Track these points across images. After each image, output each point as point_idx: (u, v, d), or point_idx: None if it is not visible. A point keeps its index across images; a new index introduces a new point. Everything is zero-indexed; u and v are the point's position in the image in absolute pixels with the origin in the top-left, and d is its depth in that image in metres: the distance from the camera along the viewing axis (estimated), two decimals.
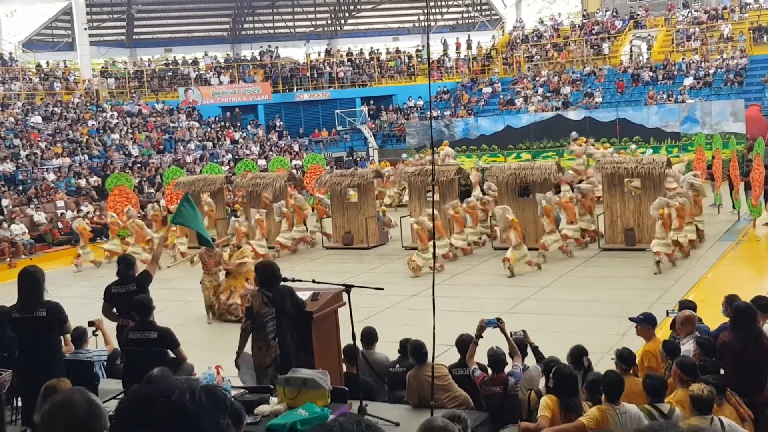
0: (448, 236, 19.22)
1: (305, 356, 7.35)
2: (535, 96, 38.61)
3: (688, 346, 7.68)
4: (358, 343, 8.36)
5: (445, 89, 43.16)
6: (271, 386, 6.91)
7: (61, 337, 8.05)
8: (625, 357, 7.60)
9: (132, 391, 2.15)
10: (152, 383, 2.07)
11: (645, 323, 8.69)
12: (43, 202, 27.45)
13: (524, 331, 8.60)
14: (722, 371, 7.20)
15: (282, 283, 7.56)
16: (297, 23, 54.25)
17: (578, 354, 7.74)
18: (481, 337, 8.04)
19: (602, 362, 9.32)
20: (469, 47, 48.12)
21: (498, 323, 7.93)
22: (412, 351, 7.90)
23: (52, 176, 29.53)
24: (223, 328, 14.16)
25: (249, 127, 41.75)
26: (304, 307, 7.49)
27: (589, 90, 37.74)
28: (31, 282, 7.58)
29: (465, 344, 8.15)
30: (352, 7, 54.14)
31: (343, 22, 54.74)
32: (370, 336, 9.10)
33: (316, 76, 45.16)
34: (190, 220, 9.76)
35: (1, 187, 27.45)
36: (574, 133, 29.87)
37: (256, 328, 7.58)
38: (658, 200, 17.17)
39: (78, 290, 18.54)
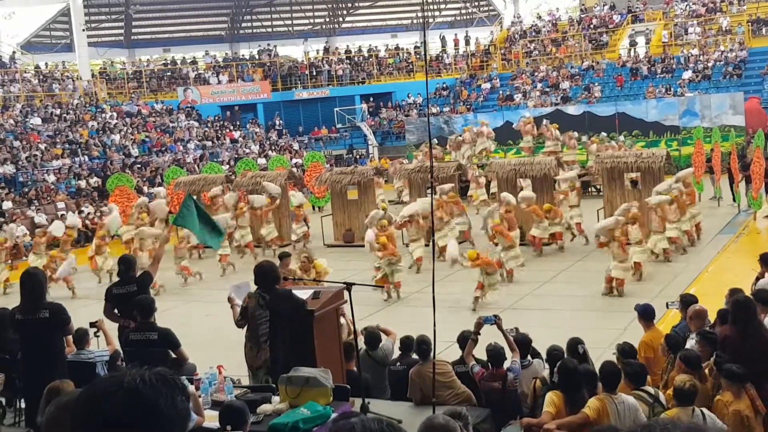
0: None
1: (304, 356, 7.33)
2: (534, 91, 38.59)
3: (692, 341, 7.71)
4: (362, 345, 8.39)
5: (444, 85, 43.15)
6: (273, 385, 6.93)
7: (64, 338, 8.06)
8: (626, 351, 7.65)
9: (83, 389, 2.16)
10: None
11: (641, 315, 8.81)
12: (43, 203, 27.46)
13: (516, 329, 8.65)
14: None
15: (281, 286, 7.57)
16: (295, 21, 54.21)
17: (573, 345, 7.80)
18: (479, 334, 8.09)
19: (604, 357, 9.34)
20: (467, 43, 48.10)
21: (495, 320, 7.98)
22: (417, 345, 7.94)
23: (52, 178, 29.54)
24: (225, 325, 14.11)
25: (248, 126, 41.76)
26: (305, 306, 7.49)
27: (588, 85, 37.72)
28: (33, 284, 7.60)
29: (466, 341, 8.19)
30: (349, 5, 54.08)
31: (341, 19, 54.70)
32: (372, 338, 9.12)
33: (314, 74, 45.15)
34: (189, 222, 9.78)
35: (2, 189, 27.47)
36: (526, 115, 30.05)
37: (250, 328, 7.60)
38: (611, 220, 15.60)
39: (78, 291, 18.57)
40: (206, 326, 14.42)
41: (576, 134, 28.91)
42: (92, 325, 9.07)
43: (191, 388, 6.55)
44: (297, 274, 12.75)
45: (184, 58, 48.17)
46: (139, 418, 2.03)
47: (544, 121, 29.83)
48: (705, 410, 6.17)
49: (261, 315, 7.48)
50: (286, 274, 12.37)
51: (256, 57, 47.20)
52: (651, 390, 6.69)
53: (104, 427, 2.03)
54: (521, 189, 20.23)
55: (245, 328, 7.85)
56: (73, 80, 40.65)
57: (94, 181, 30.37)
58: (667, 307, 10.14)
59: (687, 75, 35.70)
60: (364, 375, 7.92)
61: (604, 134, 29.30)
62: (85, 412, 2.07)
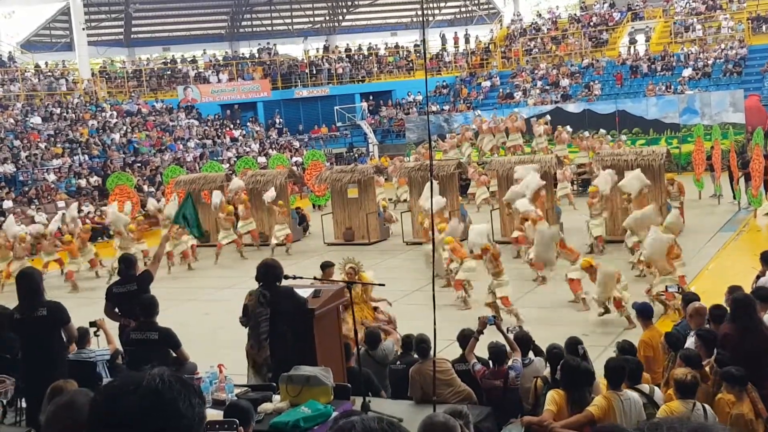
0: None
1: (304, 355, 7.32)
2: (534, 89, 38.58)
3: (692, 339, 7.70)
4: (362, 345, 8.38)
5: (444, 84, 43.13)
6: (274, 384, 6.93)
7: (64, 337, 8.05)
8: (626, 349, 7.64)
9: (102, 387, 2.15)
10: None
11: (639, 314, 8.85)
12: (43, 202, 27.47)
13: (520, 327, 8.68)
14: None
15: (283, 283, 7.54)
16: (295, 20, 54.20)
17: (573, 344, 7.80)
18: (482, 333, 8.10)
19: (605, 355, 9.36)
20: (467, 41, 48.08)
21: (495, 321, 8.01)
22: (416, 344, 7.95)
23: (52, 177, 29.55)
24: (224, 324, 14.13)
25: (248, 124, 41.76)
26: (306, 304, 7.48)
27: (588, 82, 37.69)
28: (29, 283, 7.62)
29: (467, 339, 8.20)
30: (349, 3, 54.08)
31: (341, 18, 54.69)
32: (373, 337, 9.10)
33: (314, 72, 45.14)
34: (188, 217, 9.85)
35: (2, 188, 27.47)
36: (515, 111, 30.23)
37: (251, 326, 7.60)
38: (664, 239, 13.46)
39: (79, 291, 18.59)
40: (206, 325, 14.44)
41: (569, 128, 28.93)
42: (92, 324, 9.08)
43: None
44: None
45: (183, 56, 48.15)
46: (157, 418, 2.02)
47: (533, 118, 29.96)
48: (706, 405, 6.17)
49: (261, 313, 7.47)
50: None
51: (256, 55, 47.19)
52: (646, 388, 6.69)
53: (122, 427, 2.01)
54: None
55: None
56: (72, 81, 40.63)
57: (95, 180, 30.38)
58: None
59: (687, 72, 35.67)
60: (364, 370, 7.93)
61: (603, 131, 29.29)
62: (103, 411, 2.05)
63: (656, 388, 6.84)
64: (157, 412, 2.02)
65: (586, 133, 29.17)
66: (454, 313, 13.15)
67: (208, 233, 20.56)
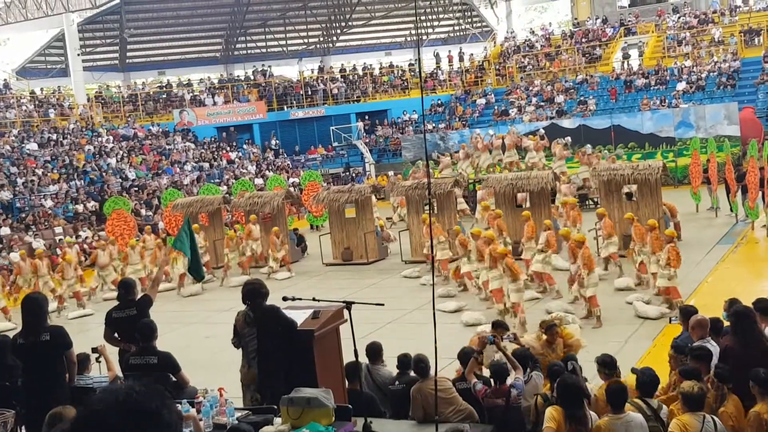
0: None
1: (303, 375, 7.27)
2: (529, 106, 38.70)
3: None
4: (364, 359, 8.32)
5: (439, 102, 43.28)
6: (275, 407, 6.89)
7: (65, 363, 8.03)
8: (607, 363, 7.57)
9: (80, 412, 2.15)
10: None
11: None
12: (41, 228, 27.45)
13: (514, 334, 8.66)
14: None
15: (283, 305, 7.52)
16: (289, 41, 54.37)
17: (564, 360, 7.78)
18: (481, 353, 8.08)
19: None
20: (461, 59, 48.28)
21: (494, 339, 7.98)
22: (415, 364, 7.91)
23: (49, 202, 29.55)
24: (225, 347, 14.05)
25: (245, 146, 41.83)
26: (295, 326, 7.38)
27: (582, 98, 37.82)
28: (34, 308, 7.65)
29: (467, 357, 8.16)
30: (343, 24, 54.29)
31: (335, 38, 54.87)
32: (375, 351, 9.01)
33: (310, 93, 45.27)
34: (186, 247, 9.85)
35: None
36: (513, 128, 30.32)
37: (242, 346, 7.61)
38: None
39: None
40: (207, 348, 14.39)
41: (562, 141, 28.78)
42: (94, 350, 9.07)
43: (192, 411, 6.53)
44: (535, 348, 9.04)
45: (179, 80, 48.30)
46: (140, 427, 2.03)
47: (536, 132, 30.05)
48: (715, 418, 6.13)
49: (249, 332, 7.49)
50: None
51: (251, 77, 47.35)
52: (654, 403, 6.65)
53: None
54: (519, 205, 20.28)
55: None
56: (69, 107, 40.70)
57: (92, 205, 30.38)
58: (670, 322, 10.16)
59: (681, 86, 35.81)
60: (367, 392, 7.88)
61: (588, 146, 29.18)
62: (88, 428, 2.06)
63: (664, 405, 6.78)
64: (143, 426, 2.02)
65: (588, 146, 29.18)
66: (455, 331, 13.12)
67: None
